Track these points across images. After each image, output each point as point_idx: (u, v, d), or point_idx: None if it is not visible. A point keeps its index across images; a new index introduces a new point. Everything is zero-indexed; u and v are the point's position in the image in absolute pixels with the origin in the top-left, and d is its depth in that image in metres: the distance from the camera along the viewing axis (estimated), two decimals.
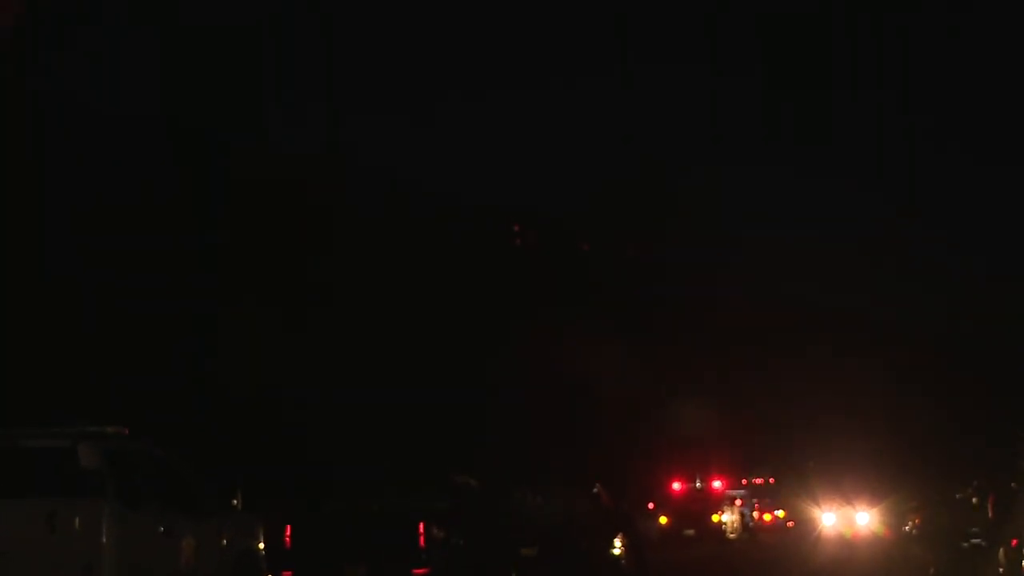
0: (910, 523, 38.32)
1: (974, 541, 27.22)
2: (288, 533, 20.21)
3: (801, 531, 51.83)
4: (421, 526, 20.19)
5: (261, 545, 16.54)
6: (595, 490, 30.69)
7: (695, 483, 48.32)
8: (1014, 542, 22.60)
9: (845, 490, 49.56)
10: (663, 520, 43.34)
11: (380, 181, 38.59)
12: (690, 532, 43.98)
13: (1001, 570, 22.81)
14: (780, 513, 58.39)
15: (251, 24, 34.51)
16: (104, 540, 13.36)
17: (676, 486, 47.09)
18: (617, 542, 28.24)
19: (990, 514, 26.96)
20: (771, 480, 60.81)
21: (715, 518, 45.97)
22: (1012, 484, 27.11)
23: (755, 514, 53.80)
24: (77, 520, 13.34)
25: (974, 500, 29.57)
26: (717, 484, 48.94)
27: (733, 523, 48.01)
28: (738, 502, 50.41)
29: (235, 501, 16.17)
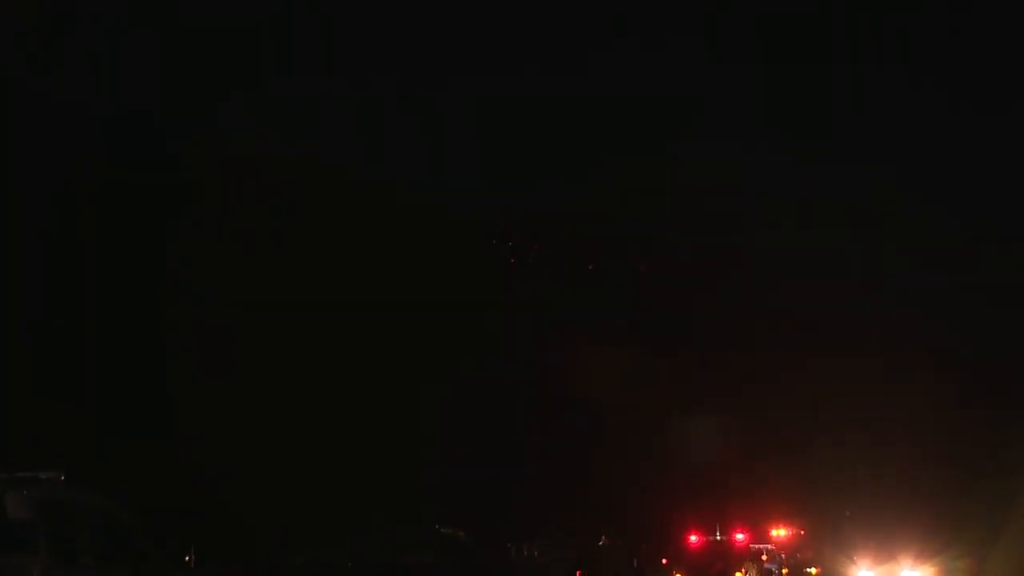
0: None
1: None
2: None
3: None
4: None
5: None
6: (602, 543, 30.53)
7: (714, 535, 48.10)
8: None
9: (888, 543, 49.27)
10: None
11: (379, 185, 38.96)
12: None
13: None
14: (812, 570, 58.05)
15: (251, 24, 35.36)
16: None
17: (693, 539, 46.85)
18: None
19: None
20: (801, 531, 60.48)
21: (738, 575, 45.76)
22: None
23: (784, 571, 53.57)
24: None
25: None
26: (740, 536, 48.72)
27: None
28: (764, 557, 50.19)
29: (188, 557, 15.93)
